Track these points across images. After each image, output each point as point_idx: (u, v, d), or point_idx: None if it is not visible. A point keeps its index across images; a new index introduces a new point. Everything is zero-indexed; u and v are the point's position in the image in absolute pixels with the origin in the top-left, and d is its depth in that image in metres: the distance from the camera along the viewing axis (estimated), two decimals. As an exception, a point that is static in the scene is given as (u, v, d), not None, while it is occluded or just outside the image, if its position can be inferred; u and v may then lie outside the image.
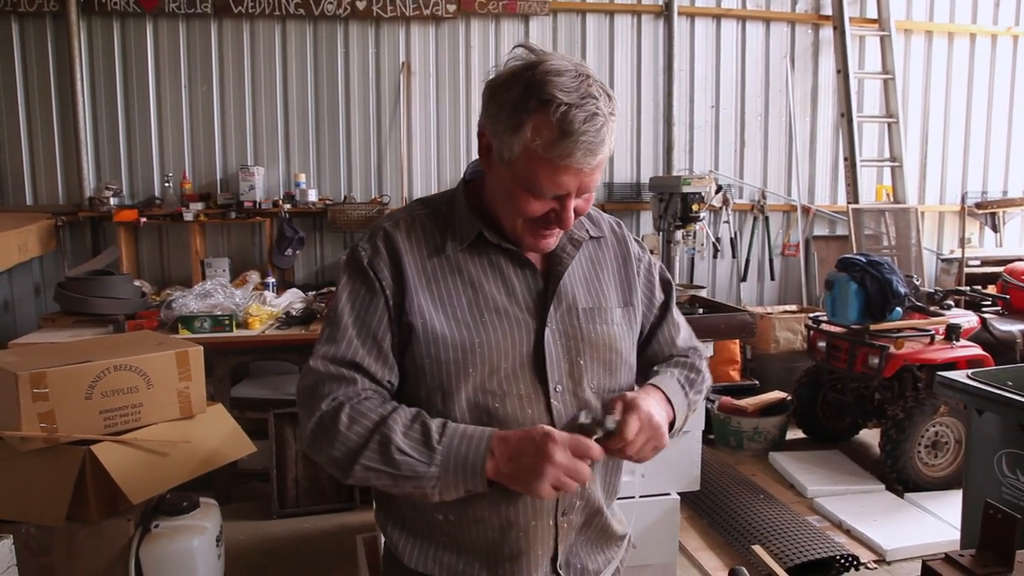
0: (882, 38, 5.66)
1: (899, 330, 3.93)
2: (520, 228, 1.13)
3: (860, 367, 3.96)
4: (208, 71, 4.76)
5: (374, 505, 1.33)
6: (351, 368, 1.11)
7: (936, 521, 3.45)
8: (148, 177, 4.74)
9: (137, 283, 4.07)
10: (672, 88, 5.45)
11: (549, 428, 1.05)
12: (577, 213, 1.13)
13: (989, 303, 4.57)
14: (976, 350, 3.90)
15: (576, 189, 1.08)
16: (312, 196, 4.70)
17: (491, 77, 1.12)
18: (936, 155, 6.06)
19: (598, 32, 5.34)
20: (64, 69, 4.57)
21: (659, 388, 1.21)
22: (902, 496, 3.73)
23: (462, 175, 1.28)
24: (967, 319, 4.14)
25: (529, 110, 1.03)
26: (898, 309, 3.95)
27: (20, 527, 2.30)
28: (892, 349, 3.82)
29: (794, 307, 5.51)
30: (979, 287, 4.56)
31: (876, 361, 3.84)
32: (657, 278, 1.37)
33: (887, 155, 5.76)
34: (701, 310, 2.80)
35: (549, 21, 5.22)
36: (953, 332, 3.92)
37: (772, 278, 5.70)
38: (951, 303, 4.28)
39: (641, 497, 2.59)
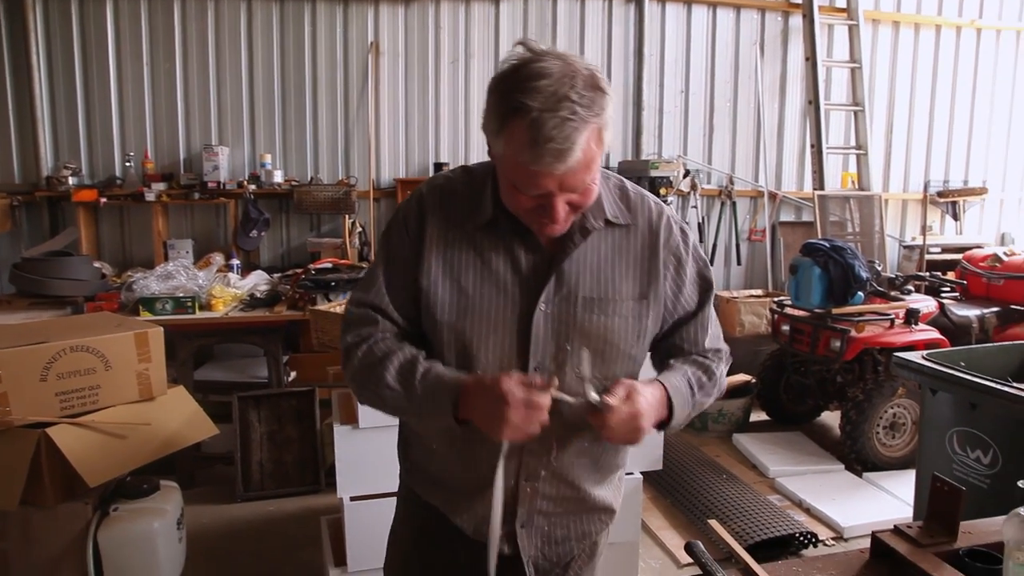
0: (850, 27, 5.72)
1: (860, 314, 4.00)
2: (522, 216, 1.17)
3: (822, 350, 4.03)
4: (171, 48, 4.65)
5: (398, 436, 1.48)
6: (375, 311, 1.25)
7: (891, 499, 3.54)
8: (108, 156, 4.62)
9: (97, 265, 3.99)
10: (642, 72, 5.46)
11: (503, 377, 1.10)
12: (575, 205, 1.14)
13: (948, 289, 4.67)
14: (934, 334, 3.99)
15: (559, 189, 1.09)
16: (278, 177, 4.64)
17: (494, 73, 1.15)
18: (900, 144, 6.16)
19: (569, 16, 5.32)
20: (19, 42, 4.43)
21: (663, 386, 1.22)
22: (860, 475, 3.82)
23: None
24: (926, 304, 4.23)
25: (506, 115, 1.06)
26: (860, 294, 4.02)
27: (-28, 511, 2.26)
28: (853, 333, 3.89)
29: (760, 292, 5.58)
30: (939, 273, 4.65)
31: (838, 344, 3.91)
32: (691, 277, 1.31)
33: (853, 143, 5.84)
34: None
35: (520, 4, 5.19)
36: (912, 316, 4.00)
37: (739, 263, 5.76)
38: (911, 288, 4.37)
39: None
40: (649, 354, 1.37)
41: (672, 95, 5.59)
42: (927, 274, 4.51)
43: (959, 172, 6.36)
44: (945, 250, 5.77)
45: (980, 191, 6.22)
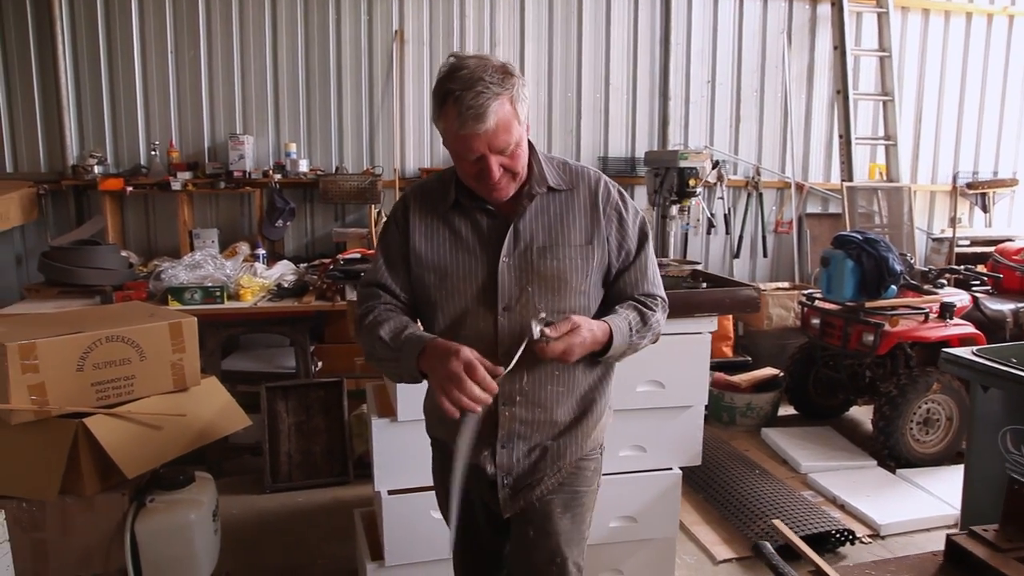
0: (879, 15, 5.62)
1: (894, 308, 3.94)
2: (473, 186, 1.47)
3: (855, 344, 3.96)
4: (195, 37, 4.62)
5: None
6: (378, 287, 1.58)
7: (928, 497, 3.48)
8: (133, 145, 4.61)
9: (124, 254, 3.98)
10: (668, 62, 5.39)
11: (464, 349, 1.34)
12: (509, 168, 1.43)
13: (978, 283, 4.59)
14: (969, 328, 3.92)
15: (489, 150, 1.38)
16: (303, 166, 4.61)
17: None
18: (929, 134, 6.06)
19: (595, 4, 5.24)
20: (44, 32, 4.42)
21: (607, 323, 1.48)
22: (894, 472, 3.76)
23: None
24: (960, 298, 4.16)
25: (439, 102, 1.39)
26: (893, 287, 3.95)
27: (11, 502, 2.25)
28: (887, 327, 3.82)
29: (786, 284, 5.51)
30: (972, 266, 4.56)
31: (871, 338, 3.85)
32: (632, 227, 1.60)
33: (881, 133, 5.75)
34: (704, 284, 2.77)
35: (546, -8, 5.12)
36: (947, 311, 3.93)
37: (765, 255, 5.70)
38: (943, 282, 4.29)
39: (644, 472, 2.60)
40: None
41: (699, 85, 5.52)
42: (962, 267, 4.43)
43: (989, 163, 6.26)
44: (974, 243, 5.67)
45: (1011, 183, 6.11)
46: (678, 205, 4.84)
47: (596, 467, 1.69)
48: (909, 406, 3.79)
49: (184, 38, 4.61)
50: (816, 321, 4.25)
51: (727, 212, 5.53)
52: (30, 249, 4.46)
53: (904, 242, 5.47)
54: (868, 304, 3.93)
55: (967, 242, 5.67)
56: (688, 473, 3.55)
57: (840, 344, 4.05)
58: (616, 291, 1.61)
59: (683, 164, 4.47)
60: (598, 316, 1.54)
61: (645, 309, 1.58)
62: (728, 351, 5.09)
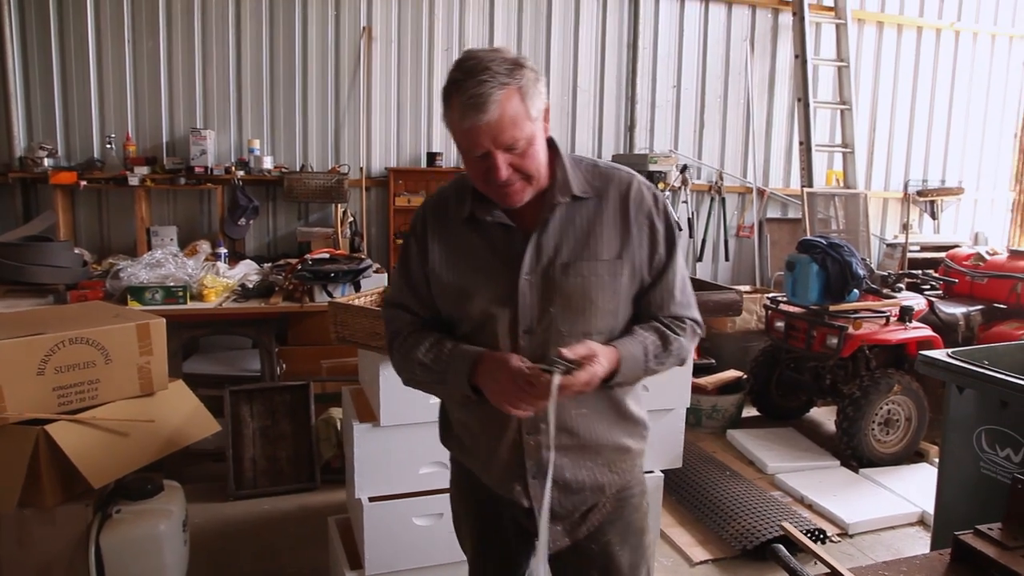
0: (837, 26, 5.78)
1: (856, 311, 4.03)
2: (484, 189, 1.35)
3: (818, 347, 4.04)
4: (155, 26, 4.45)
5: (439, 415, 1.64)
6: (403, 309, 1.49)
7: (891, 495, 3.57)
8: (87, 137, 4.41)
9: (77, 251, 3.79)
10: (636, 66, 5.43)
11: (512, 357, 1.29)
12: (519, 168, 1.30)
13: (930, 287, 4.74)
14: (927, 331, 4.05)
15: (494, 145, 1.26)
16: (267, 163, 4.48)
17: None
18: (882, 143, 6.27)
19: (564, 7, 5.25)
20: (-10, 15, 4.19)
21: (615, 349, 1.36)
22: (857, 471, 3.85)
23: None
24: (918, 302, 4.28)
25: (446, 94, 1.28)
26: (855, 291, 4.05)
27: (-35, 514, 2.11)
28: (850, 330, 3.92)
29: (748, 287, 5.60)
30: (930, 271, 4.72)
31: (835, 341, 3.94)
32: (663, 236, 1.44)
33: (839, 141, 5.91)
34: (686, 288, 2.79)
35: (516, -6, 5.11)
36: (907, 314, 4.05)
37: (727, 258, 5.79)
38: (901, 286, 4.42)
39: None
40: None
41: (664, 89, 5.58)
42: (920, 272, 4.57)
43: (937, 172, 6.50)
44: (924, 248, 5.88)
45: (957, 191, 6.36)
46: (646, 208, 4.87)
47: (641, 489, 1.58)
48: (871, 407, 3.89)
49: (142, 27, 4.43)
50: (780, 324, 4.32)
51: (691, 216, 5.60)
52: (-28, 245, 4.21)
53: (860, 247, 5.63)
54: (832, 307, 4.01)
55: (918, 248, 5.87)
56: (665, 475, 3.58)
57: (804, 346, 4.13)
58: (641, 311, 1.45)
59: (652, 168, 4.51)
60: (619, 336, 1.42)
61: (668, 332, 1.42)
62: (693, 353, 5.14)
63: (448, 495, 1.70)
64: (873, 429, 3.93)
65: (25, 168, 4.16)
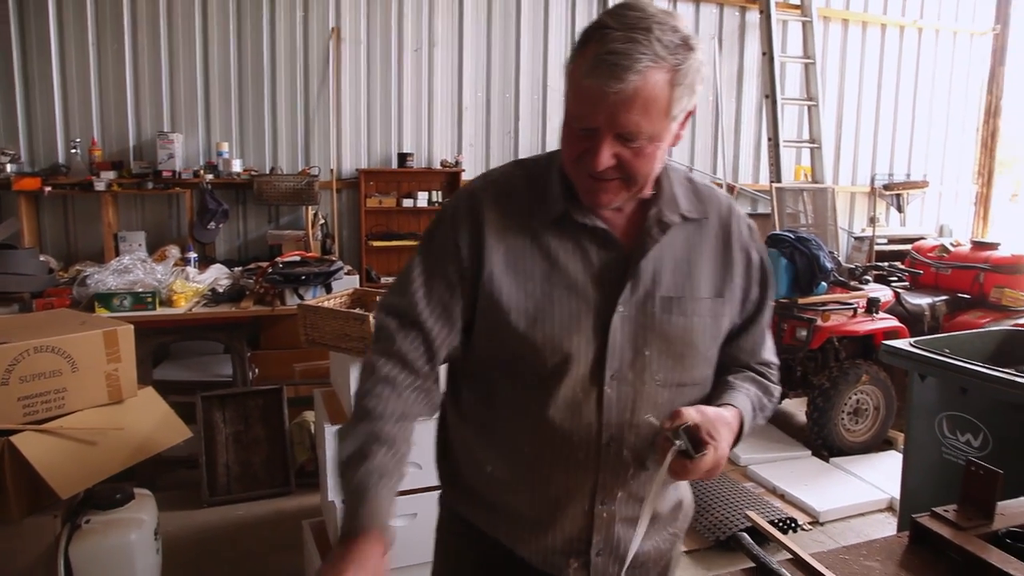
0: (804, 24, 5.86)
1: (824, 304, 4.10)
2: (574, 175, 1.07)
3: (788, 339, 4.11)
4: (119, 28, 4.39)
5: (435, 453, 1.33)
6: (407, 321, 1.12)
7: (861, 483, 3.64)
8: (51, 142, 4.34)
9: (42, 258, 3.73)
10: (604, 65, 5.46)
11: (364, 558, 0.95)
12: (626, 167, 1.02)
13: (896, 279, 4.84)
14: (894, 322, 4.13)
15: (607, 125, 0.98)
16: (236, 166, 4.44)
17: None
18: (849, 138, 6.37)
19: (533, 7, 5.27)
20: (-52, 19, 4.11)
21: (740, 413, 1.13)
22: (827, 460, 3.92)
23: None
24: (884, 293, 4.37)
25: (585, 38, 1.00)
26: (823, 284, 4.12)
27: (-72, 528, 2.07)
28: (819, 322, 3.98)
29: (720, 283, 5.66)
30: (897, 263, 4.81)
31: (804, 333, 4.00)
32: (757, 272, 1.22)
33: (806, 136, 6.00)
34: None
35: (484, -7, 5.12)
36: (873, 305, 4.12)
37: (699, 255, 5.84)
38: (868, 278, 4.50)
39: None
40: None
41: (633, 87, 5.61)
42: (886, 264, 4.66)
43: (902, 166, 6.62)
44: (891, 241, 5.99)
45: (922, 184, 6.49)
46: (617, 206, 4.91)
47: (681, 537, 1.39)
48: (840, 397, 3.96)
49: (107, 29, 4.37)
50: (751, 318, 4.37)
51: (663, 213, 5.64)
52: (-66, 254, 4.13)
53: (828, 240, 5.71)
54: (801, 300, 4.08)
55: (885, 240, 5.98)
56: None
57: (774, 339, 4.19)
58: (728, 357, 1.23)
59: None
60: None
61: (767, 382, 1.24)
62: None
63: (417, 495, 1.59)
64: (843, 419, 4.00)
65: (-13, 175, 4.08)
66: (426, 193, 4.92)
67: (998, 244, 4.94)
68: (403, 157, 4.94)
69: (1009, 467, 1.35)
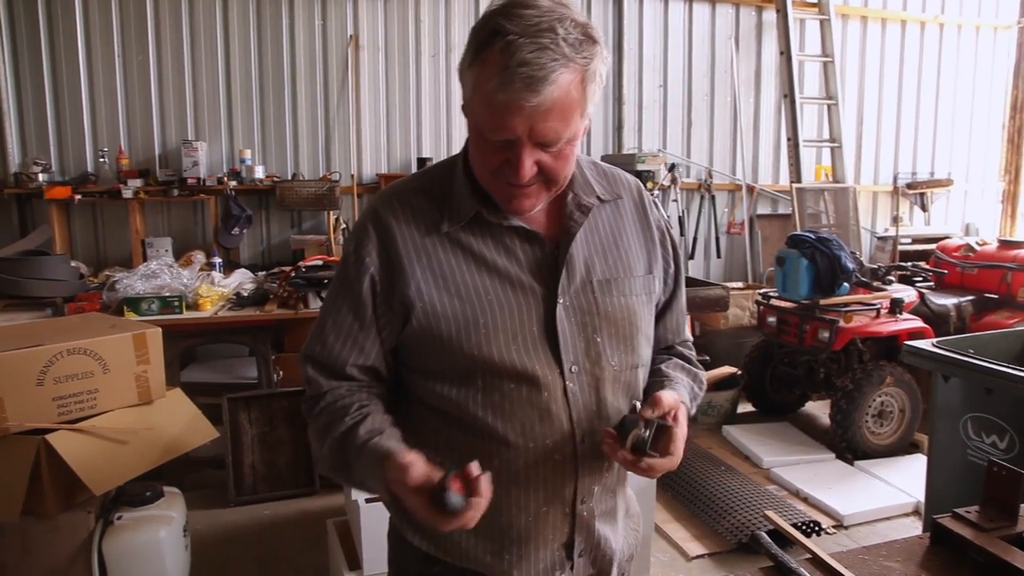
0: (821, 22, 5.83)
1: (847, 305, 4.07)
2: (489, 185, 1.04)
3: (810, 341, 4.09)
4: (144, 39, 4.48)
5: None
6: (325, 370, 1.11)
7: (886, 486, 3.61)
8: (80, 152, 4.44)
9: (73, 264, 3.82)
10: (622, 67, 5.47)
11: (412, 471, 0.92)
12: (547, 172, 1.00)
13: (921, 279, 4.79)
14: (918, 323, 4.09)
15: (527, 135, 0.95)
16: (259, 173, 4.52)
17: None
18: (870, 137, 6.31)
19: (550, 9, 5.29)
20: (-20, 32, 4.23)
21: (679, 396, 1.11)
22: (852, 464, 3.88)
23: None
24: (908, 294, 4.33)
25: (481, 43, 0.95)
26: (845, 284, 4.09)
27: (-31, 525, 2.14)
28: (842, 323, 3.96)
29: (740, 284, 5.65)
30: (921, 263, 4.76)
31: (826, 335, 3.98)
32: (671, 248, 1.24)
33: (826, 136, 5.96)
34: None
35: (501, -4, 5.14)
36: (897, 306, 4.09)
37: (718, 255, 5.83)
38: (892, 278, 4.47)
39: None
40: None
41: (651, 89, 5.62)
42: (909, 264, 4.61)
43: (926, 164, 6.54)
44: (915, 240, 5.93)
45: (946, 183, 6.40)
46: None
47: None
48: (864, 399, 3.93)
49: (132, 41, 4.46)
50: (772, 319, 4.36)
51: (681, 214, 5.64)
52: (-31, 261, 4.24)
53: (850, 241, 5.67)
54: (822, 301, 4.05)
55: (908, 240, 5.92)
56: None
57: (796, 341, 4.17)
58: (656, 339, 1.22)
59: (640, 167, 4.55)
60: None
61: (692, 366, 1.26)
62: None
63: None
64: (867, 421, 3.97)
65: (20, 184, 4.19)
66: (446, 197, 4.95)
67: (1026, 243, 4.88)
68: (422, 162, 4.98)
69: (1033, 467, 1.34)
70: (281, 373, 4.02)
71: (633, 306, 1.13)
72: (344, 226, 4.74)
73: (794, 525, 3.10)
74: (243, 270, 4.18)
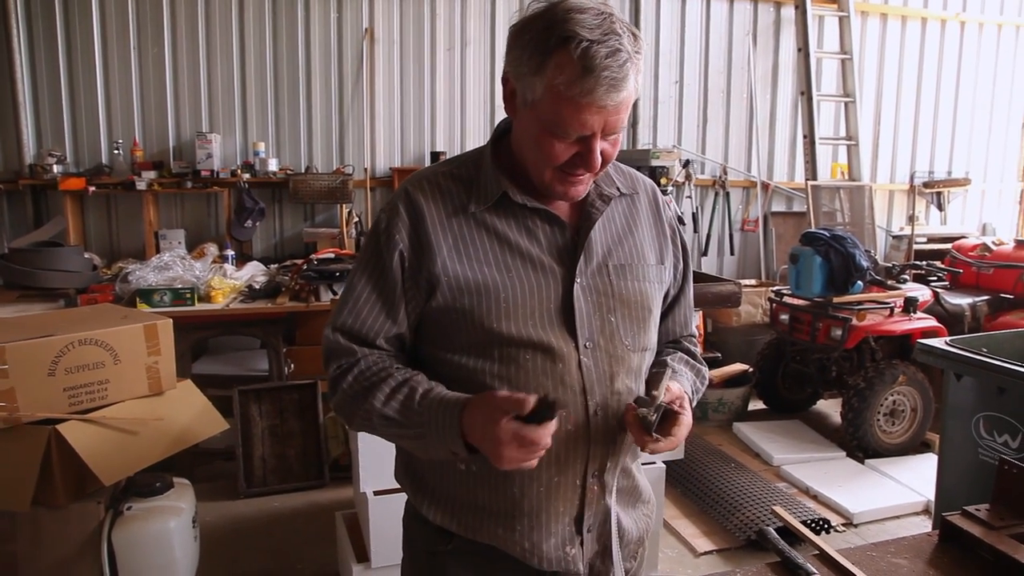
0: (840, 18, 5.76)
1: (860, 303, 4.04)
2: (549, 176, 1.11)
3: (823, 338, 4.05)
4: (159, 32, 4.50)
5: (395, 459, 1.32)
6: (357, 340, 1.15)
7: (896, 485, 3.58)
8: (95, 144, 4.47)
9: (87, 256, 3.86)
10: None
11: (498, 406, 1.00)
12: (604, 157, 1.09)
13: (936, 278, 4.74)
14: (932, 322, 4.05)
15: (601, 129, 1.04)
16: (272, 166, 4.53)
17: (514, 22, 1.10)
18: (888, 135, 6.24)
19: (564, 3, 5.26)
20: (-2, 24, 4.26)
21: (688, 397, 1.19)
22: (863, 462, 3.85)
23: (491, 132, 1.25)
24: (922, 293, 4.28)
25: (551, 48, 1.01)
26: (859, 283, 4.05)
27: (-19, 513, 2.16)
28: (854, 321, 3.92)
29: (753, 281, 5.61)
30: (936, 262, 4.70)
31: (839, 333, 3.95)
32: (681, 246, 1.33)
33: (843, 133, 5.89)
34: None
35: (516, -9, 5.13)
36: (911, 305, 4.05)
37: (732, 252, 5.79)
38: (906, 277, 4.42)
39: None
40: None
41: (667, 85, 5.59)
42: (924, 263, 4.56)
43: (943, 163, 6.46)
44: (931, 240, 5.85)
45: (964, 182, 6.32)
46: (649, 204, 4.88)
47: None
48: (876, 398, 3.89)
49: (147, 34, 4.49)
50: (785, 317, 4.33)
51: (695, 211, 5.61)
52: (-14, 252, 4.29)
53: (866, 239, 5.61)
54: (836, 299, 4.02)
55: (924, 239, 5.85)
56: (667, 468, 3.60)
57: (809, 339, 4.14)
58: (663, 332, 1.30)
59: (655, 163, 4.52)
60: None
61: (698, 363, 1.31)
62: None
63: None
64: (879, 420, 3.94)
65: (35, 175, 4.23)
66: (458, 191, 4.95)
67: (1043, 243, 4.81)
68: (436, 156, 4.98)
69: (1045, 467, 1.32)
70: (292, 366, 4.04)
71: (646, 290, 1.21)
72: (357, 219, 4.75)
73: (803, 522, 3.08)
74: (255, 263, 4.20)
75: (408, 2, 4.91)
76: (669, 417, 1.08)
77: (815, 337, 4.10)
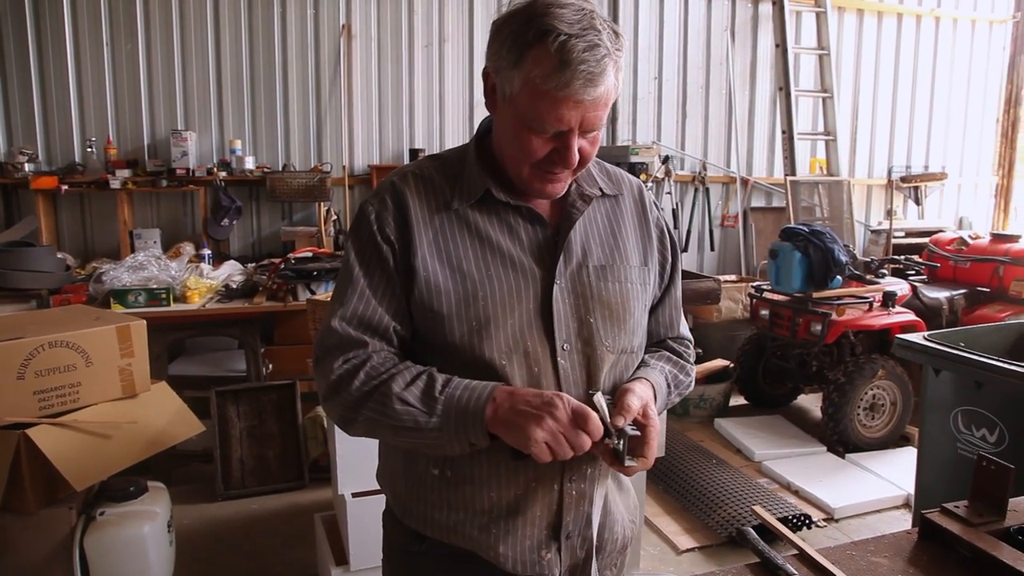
0: (818, 14, 5.79)
1: (839, 298, 4.06)
2: (527, 173, 1.10)
3: (803, 334, 4.07)
4: (132, 28, 4.42)
5: (378, 461, 1.31)
6: (369, 329, 1.10)
7: (877, 479, 3.60)
8: (67, 142, 4.39)
9: (60, 256, 3.78)
10: (617, 58, 5.43)
11: (561, 393, 1.04)
12: (583, 155, 1.08)
13: (914, 272, 4.78)
14: (910, 316, 4.08)
15: (579, 125, 1.03)
16: (249, 163, 4.47)
17: (496, 17, 1.10)
18: (865, 130, 6.29)
19: None
20: (-35, 21, 4.17)
21: (653, 388, 1.17)
22: (843, 457, 3.88)
23: (469, 129, 1.25)
24: (901, 287, 4.32)
25: (529, 42, 1.01)
26: (838, 278, 4.08)
27: (-53, 520, 2.11)
28: (834, 316, 3.94)
29: (733, 277, 5.63)
30: (914, 257, 4.75)
31: (819, 328, 3.96)
32: (669, 245, 1.30)
33: (821, 129, 5.93)
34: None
35: (494, -13, 5.10)
36: (889, 299, 4.08)
37: (712, 248, 5.81)
38: (885, 272, 4.45)
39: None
40: None
41: (646, 82, 5.59)
42: (902, 257, 4.60)
43: (920, 158, 6.53)
44: (909, 234, 5.91)
45: (940, 176, 6.39)
46: (629, 200, 4.88)
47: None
48: (856, 392, 3.92)
49: (120, 29, 4.40)
50: (765, 312, 4.35)
51: (675, 207, 5.61)
52: (-46, 252, 4.19)
53: (844, 234, 5.65)
54: (815, 294, 4.04)
55: (902, 233, 5.91)
56: (648, 465, 3.60)
57: (789, 334, 4.16)
58: (649, 333, 1.28)
59: (634, 159, 4.52)
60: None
61: (682, 360, 1.29)
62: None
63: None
64: (858, 414, 3.96)
65: (5, 174, 4.14)
66: (438, 189, 4.92)
67: (1018, 236, 4.87)
68: (415, 153, 4.95)
69: None
70: (271, 366, 3.99)
71: (627, 292, 1.19)
72: (335, 218, 4.70)
73: (784, 519, 3.10)
74: (232, 262, 4.15)
75: (386, -2, 4.87)
76: (636, 440, 1.06)
77: (795, 332, 4.11)
